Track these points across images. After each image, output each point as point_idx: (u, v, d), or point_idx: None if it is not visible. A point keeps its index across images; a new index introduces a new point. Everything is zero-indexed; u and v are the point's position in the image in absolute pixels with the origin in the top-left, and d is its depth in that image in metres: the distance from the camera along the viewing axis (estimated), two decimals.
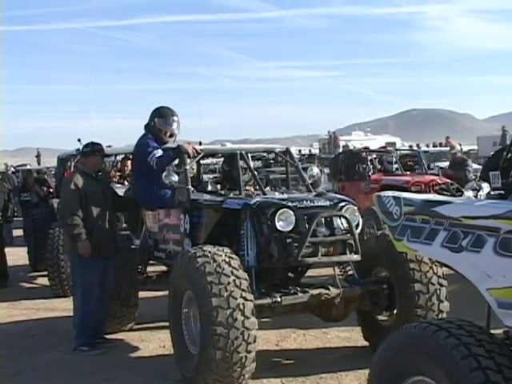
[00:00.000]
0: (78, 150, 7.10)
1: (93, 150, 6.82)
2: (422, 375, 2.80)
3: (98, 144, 6.93)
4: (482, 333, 2.74)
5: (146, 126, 6.95)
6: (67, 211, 6.54)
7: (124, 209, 7.96)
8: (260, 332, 5.06)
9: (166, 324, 5.90)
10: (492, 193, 3.64)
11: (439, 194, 10.28)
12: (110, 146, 12.56)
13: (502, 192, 3.42)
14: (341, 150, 27.22)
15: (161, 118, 6.82)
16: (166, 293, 5.96)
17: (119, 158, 11.61)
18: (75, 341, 6.51)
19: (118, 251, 6.78)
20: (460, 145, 27.50)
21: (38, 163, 37.50)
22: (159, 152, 6.55)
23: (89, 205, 6.55)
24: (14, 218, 19.74)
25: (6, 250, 14.40)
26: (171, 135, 6.87)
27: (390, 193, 3.45)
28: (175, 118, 6.89)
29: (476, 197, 7.32)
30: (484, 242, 2.72)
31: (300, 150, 35.23)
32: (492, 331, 2.89)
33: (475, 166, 20.10)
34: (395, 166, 13.82)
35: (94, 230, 6.53)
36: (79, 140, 7.90)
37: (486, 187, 6.99)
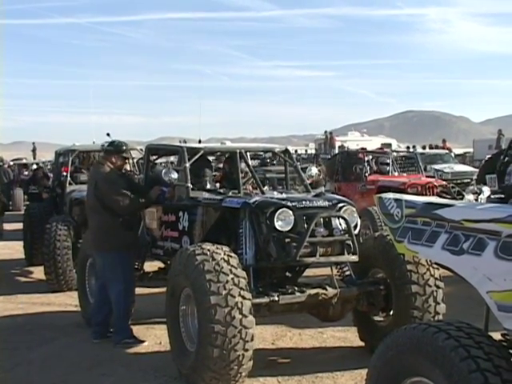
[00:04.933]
0: (103, 145, 7.13)
1: (116, 150, 6.70)
2: (420, 376, 2.82)
3: (122, 144, 6.79)
4: (480, 335, 2.77)
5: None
6: (119, 194, 6.46)
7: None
8: (256, 331, 5.08)
9: (162, 320, 5.92)
10: (492, 196, 3.68)
11: (440, 196, 10.32)
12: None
13: (502, 196, 3.45)
14: (337, 150, 27.21)
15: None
16: (162, 289, 5.97)
17: None
18: (119, 335, 6.46)
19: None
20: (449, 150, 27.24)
21: (34, 157, 37.44)
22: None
23: None
24: (16, 212, 19.86)
25: (1, 243, 14.43)
26: None
27: (391, 194, 3.47)
28: None
29: (477, 200, 7.36)
30: (485, 246, 2.75)
31: (296, 150, 35.18)
32: (489, 333, 2.92)
33: (472, 169, 20.14)
34: (391, 167, 13.83)
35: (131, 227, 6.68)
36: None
37: (486, 191, 7.03)
